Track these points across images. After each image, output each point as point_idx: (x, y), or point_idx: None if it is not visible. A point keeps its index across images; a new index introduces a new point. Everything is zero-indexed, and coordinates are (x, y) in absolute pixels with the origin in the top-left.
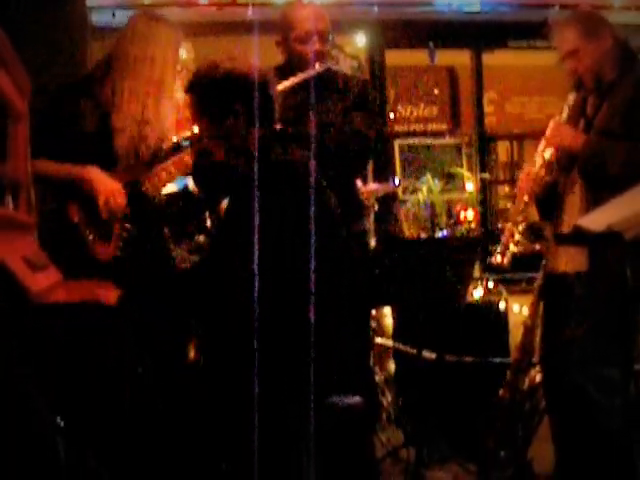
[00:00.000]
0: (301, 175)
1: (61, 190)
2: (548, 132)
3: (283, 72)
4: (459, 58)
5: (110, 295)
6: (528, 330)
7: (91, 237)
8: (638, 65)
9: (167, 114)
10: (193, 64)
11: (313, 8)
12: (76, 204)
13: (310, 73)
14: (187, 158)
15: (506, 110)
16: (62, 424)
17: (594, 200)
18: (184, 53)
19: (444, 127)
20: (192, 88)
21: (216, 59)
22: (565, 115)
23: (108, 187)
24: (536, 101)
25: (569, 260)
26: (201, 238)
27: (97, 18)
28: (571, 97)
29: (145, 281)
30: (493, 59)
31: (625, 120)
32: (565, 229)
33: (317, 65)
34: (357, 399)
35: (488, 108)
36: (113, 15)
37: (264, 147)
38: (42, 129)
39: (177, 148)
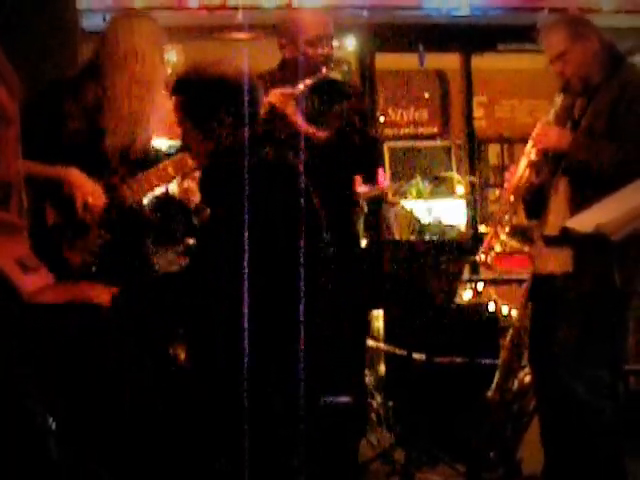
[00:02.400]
0: (287, 176)
1: (38, 191)
2: (535, 133)
3: (284, 74)
4: (449, 62)
5: (103, 296)
6: (517, 331)
7: (66, 239)
8: (624, 67)
9: (157, 114)
10: (183, 67)
11: (321, 14)
12: (53, 205)
13: (322, 76)
14: (170, 168)
15: (496, 114)
16: (54, 424)
17: (579, 201)
18: (174, 56)
19: (434, 130)
20: (177, 89)
21: (202, 61)
22: (552, 117)
23: (86, 189)
24: (526, 104)
25: (557, 262)
26: (190, 241)
27: (87, 22)
28: (558, 99)
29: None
30: (483, 62)
31: (610, 120)
32: (550, 230)
33: (325, 69)
34: (346, 399)
35: (478, 112)
36: (103, 19)
37: (249, 149)
38: (24, 130)
39: (163, 155)
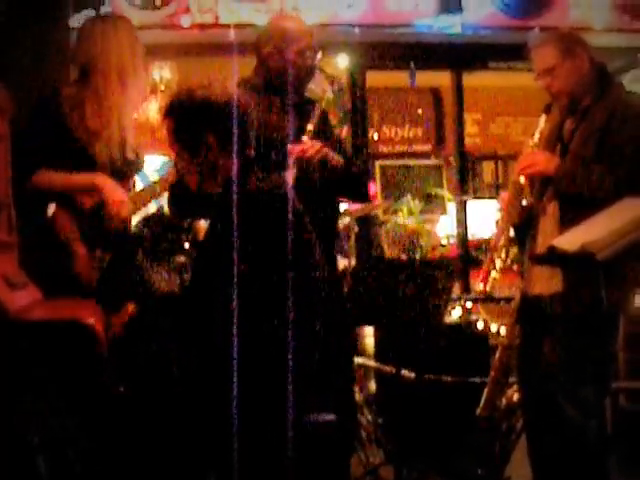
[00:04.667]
0: (277, 202)
1: (57, 200)
2: (521, 160)
3: (268, 83)
4: (442, 79)
5: (89, 314)
6: (505, 350)
7: (82, 251)
8: (614, 89)
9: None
10: (176, 85)
11: (306, 24)
12: (67, 217)
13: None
14: (158, 186)
15: (491, 131)
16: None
17: (567, 222)
18: (167, 73)
19: (429, 148)
20: (169, 113)
21: (193, 83)
22: (537, 139)
23: (117, 196)
24: (521, 122)
25: (545, 282)
26: (181, 258)
27: None
28: (542, 120)
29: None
30: (476, 80)
31: (600, 144)
32: (540, 251)
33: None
34: (331, 416)
35: (472, 129)
36: None
37: (239, 175)
38: (34, 137)
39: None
